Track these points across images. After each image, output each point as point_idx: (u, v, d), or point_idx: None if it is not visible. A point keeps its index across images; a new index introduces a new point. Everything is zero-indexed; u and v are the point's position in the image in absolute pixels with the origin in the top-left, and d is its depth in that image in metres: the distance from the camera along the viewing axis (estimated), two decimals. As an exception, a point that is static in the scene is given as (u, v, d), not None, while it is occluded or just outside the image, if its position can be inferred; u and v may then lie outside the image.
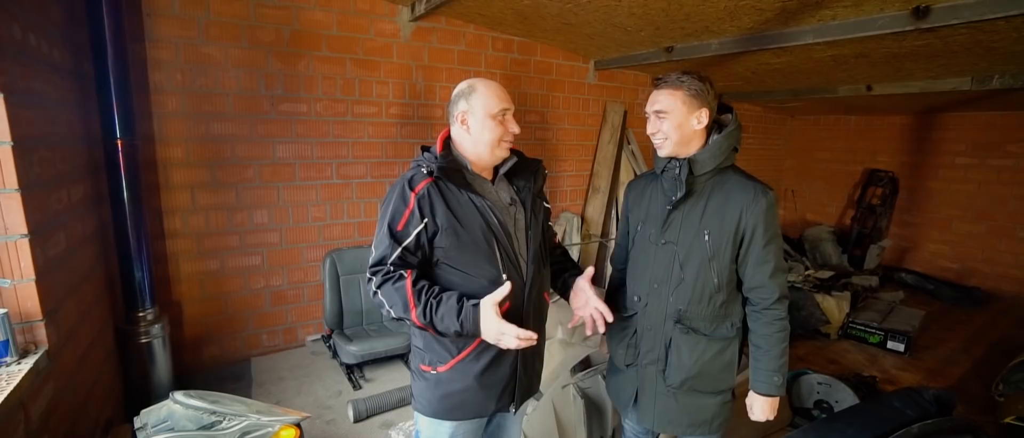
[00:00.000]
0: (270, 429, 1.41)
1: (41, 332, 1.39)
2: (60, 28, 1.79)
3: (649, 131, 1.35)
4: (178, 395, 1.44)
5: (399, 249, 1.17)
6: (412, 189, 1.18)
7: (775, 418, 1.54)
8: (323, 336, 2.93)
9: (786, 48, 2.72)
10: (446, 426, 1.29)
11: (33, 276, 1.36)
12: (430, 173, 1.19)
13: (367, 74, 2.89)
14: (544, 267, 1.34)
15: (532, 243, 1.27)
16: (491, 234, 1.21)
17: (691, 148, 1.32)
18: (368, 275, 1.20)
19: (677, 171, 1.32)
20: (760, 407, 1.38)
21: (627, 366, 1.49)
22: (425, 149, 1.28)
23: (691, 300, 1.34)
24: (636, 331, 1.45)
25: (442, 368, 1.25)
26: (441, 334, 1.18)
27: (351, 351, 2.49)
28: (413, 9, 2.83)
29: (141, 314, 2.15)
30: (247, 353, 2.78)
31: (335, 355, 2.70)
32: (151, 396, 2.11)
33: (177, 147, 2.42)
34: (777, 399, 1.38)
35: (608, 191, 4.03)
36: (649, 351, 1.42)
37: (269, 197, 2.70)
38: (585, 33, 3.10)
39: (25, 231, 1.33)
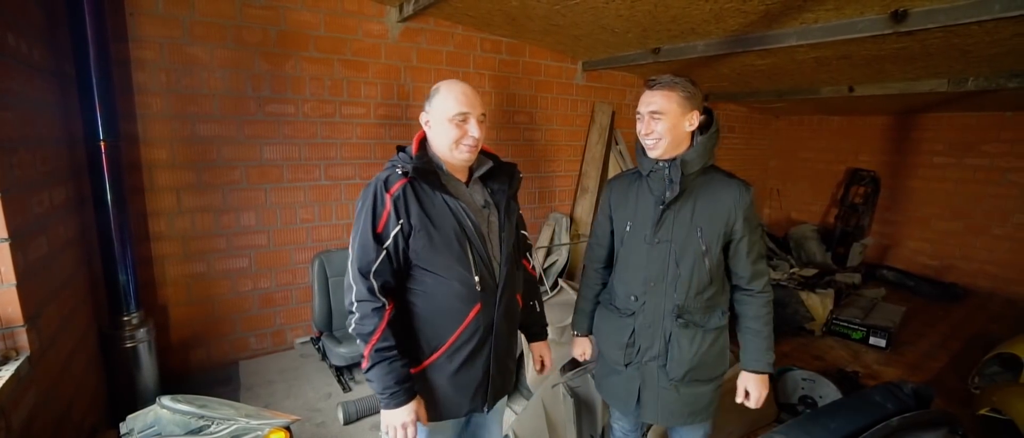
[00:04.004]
0: (259, 432, 1.40)
1: (23, 338, 1.36)
2: (40, 28, 1.75)
3: (643, 132, 1.37)
4: (165, 400, 1.42)
5: (383, 253, 1.17)
6: (387, 190, 1.18)
7: (762, 413, 1.58)
8: (312, 338, 2.91)
9: (770, 50, 2.77)
10: (423, 427, 1.30)
11: (14, 281, 1.33)
12: (405, 174, 1.19)
13: (355, 75, 2.87)
14: (517, 269, 1.35)
15: (506, 245, 1.28)
16: (464, 236, 1.21)
17: (680, 149, 1.36)
18: (350, 279, 1.19)
19: (667, 171, 1.36)
20: (755, 384, 1.42)
21: (626, 366, 1.50)
22: (400, 149, 1.27)
23: (688, 294, 1.39)
24: (634, 330, 1.47)
25: (415, 369, 1.26)
26: (369, 369, 1.19)
27: (340, 353, 2.48)
28: (401, 10, 2.83)
29: (126, 318, 2.12)
30: (235, 356, 2.75)
31: (324, 357, 2.68)
32: (137, 401, 2.08)
33: (162, 149, 2.39)
34: (767, 378, 1.43)
35: (596, 191, 4.06)
36: (649, 348, 1.45)
37: (256, 199, 2.67)
38: (573, 34, 3.12)
39: (5, 235, 1.31)
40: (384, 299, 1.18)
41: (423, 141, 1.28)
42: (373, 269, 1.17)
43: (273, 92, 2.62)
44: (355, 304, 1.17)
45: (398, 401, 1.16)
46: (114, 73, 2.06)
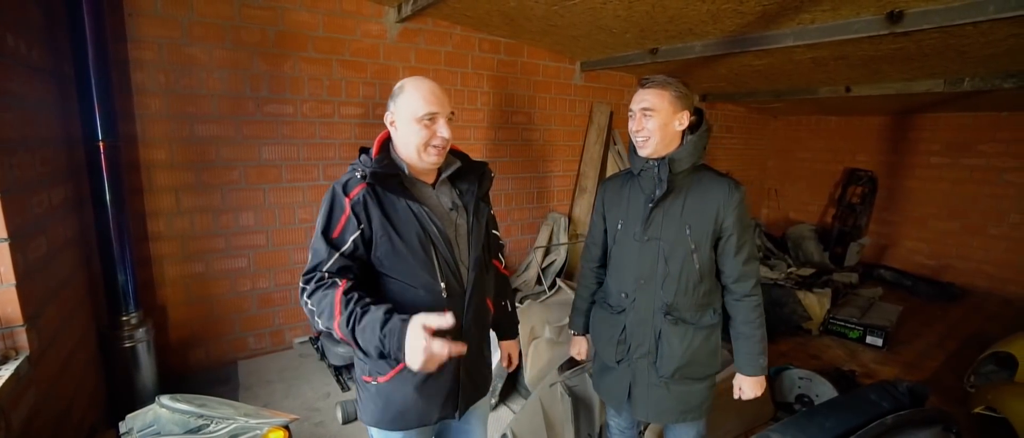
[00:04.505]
0: (258, 432, 1.41)
1: (22, 337, 1.37)
2: (39, 28, 1.76)
3: (633, 129, 1.39)
4: (164, 399, 1.43)
5: (336, 255, 1.11)
6: (347, 194, 1.13)
7: (759, 412, 1.58)
8: (311, 338, 2.91)
9: (767, 50, 2.78)
10: (395, 436, 1.27)
11: (14, 281, 1.34)
12: (364, 178, 1.14)
13: (354, 75, 2.88)
14: (486, 273, 1.31)
15: (474, 249, 1.24)
16: (429, 241, 1.16)
17: (669, 148, 1.38)
18: (301, 284, 1.12)
19: (656, 170, 1.37)
20: (750, 386, 1.47)
21: (618, 362, 1.53)
22: (363, 151, 1.23)
23: (677, 292, 1.40)
24: (625, 327, 1.49)
25: (382, 379, 1.21)
26: (362, 351, 1.09)
27: (339, 353, 2.49)
28: (400, 10, 2.83)
29: (125, 318, 2.13)
30: (234, 356, 2.76)
31: (323, 357, 2.69)
32: (136, 401, 2.08)
33: (161, 149, 2.39)
34: (763, 378, 1.48)
35: (594, 191, 4.07)
36: (639, 345, 1.47)
37: (255, 199, 2.68)
38: (571, 35, 3.13)
39: (5, 235, 1.32)
40: (336, 278, 1.10)
41: (386, 142, 1.23)
42: (325, 270, 1.11)
43: (272, 92, 2.63)
44: (308, 293, 1.10)
45: (399, 341, 0.99)
46: (113, 73, 2.07)
